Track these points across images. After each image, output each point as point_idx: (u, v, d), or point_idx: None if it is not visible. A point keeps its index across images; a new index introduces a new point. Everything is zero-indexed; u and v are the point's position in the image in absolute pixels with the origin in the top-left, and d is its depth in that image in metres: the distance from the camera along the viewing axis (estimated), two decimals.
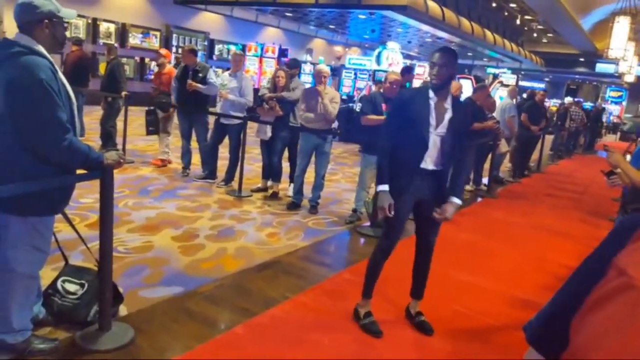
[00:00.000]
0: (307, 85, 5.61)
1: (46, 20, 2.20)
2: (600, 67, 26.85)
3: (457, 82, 7.19)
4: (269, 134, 5.77)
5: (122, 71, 7.58)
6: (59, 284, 2.68)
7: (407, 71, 7.14)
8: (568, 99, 17.20)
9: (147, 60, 14.93)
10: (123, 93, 7.17)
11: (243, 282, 3.46)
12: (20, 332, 2.30)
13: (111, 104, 7.43)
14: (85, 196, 4.79)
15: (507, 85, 14.53)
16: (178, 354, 2.52)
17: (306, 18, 18.33)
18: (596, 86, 33.81)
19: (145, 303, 2.99)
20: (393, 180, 2.78)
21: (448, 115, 2.76)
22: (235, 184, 5.90)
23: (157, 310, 2.94)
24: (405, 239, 3.09)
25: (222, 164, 6.27)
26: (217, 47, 17.67)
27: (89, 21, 13.39)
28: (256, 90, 6.38)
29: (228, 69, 6.65)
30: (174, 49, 14.98)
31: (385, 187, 2.77)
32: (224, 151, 6.24)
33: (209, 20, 17.07)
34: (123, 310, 2.86)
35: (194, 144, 6.46)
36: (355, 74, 15.11)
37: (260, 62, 15.84)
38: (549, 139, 12.93)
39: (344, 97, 13.41)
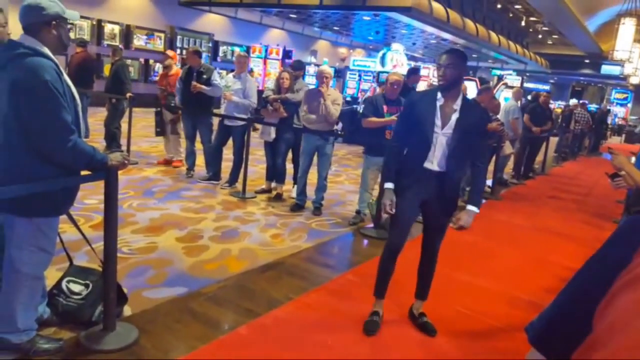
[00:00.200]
0: (311, 87, 5.61)
1: (53, 22, 2.22)
2: (606, 69, 26.75)
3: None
4: (273, 135, 5.78)
5: (127, 73, 7.60)
6: (63, 284, 2.70)
7: (413, 72, 7.11)
8: (573, 101, 17.17)
9: (151, 61, 14.97)
10: (127, 94, 7.19)
11: (247, 283, 3.47)
12: (25, 332, 2.32)
13: (116, 105, 7.46)
14: (90, 197, 4.81)
15: (512, 87, 14.51)
16: (182, 355, 2.52)
17: (310, 19, 18.32)
18: (601, 88, 33.65)
19: (149, 303, 3.00)
20: (398, 179, 2.86)
21: (455, 116, 2.77)
22: (239, 186, 5.91)
23: (161, 310, 2.95)
24: (410, 240, 3.10)
25: (227, 165, 6.28)
26: (222, 48, 17.68)
27: (94, 23, 13.42)
28: (260, 92, 6.39)
29: (232, 70, 6.65)
30: (178, 51, 14.95)
31: (390, 185, 2.86)
32: (228, 153, 6.25)
33: (213, 22, 17.11)
34: (127, 310, 2.87)
35: (198, 146, 6.48)
36: (359, 75, 15.08)
37: (265, 63, 15.84)
38: (554, 140, 12.88)
39: (348, 98, 13.41)
